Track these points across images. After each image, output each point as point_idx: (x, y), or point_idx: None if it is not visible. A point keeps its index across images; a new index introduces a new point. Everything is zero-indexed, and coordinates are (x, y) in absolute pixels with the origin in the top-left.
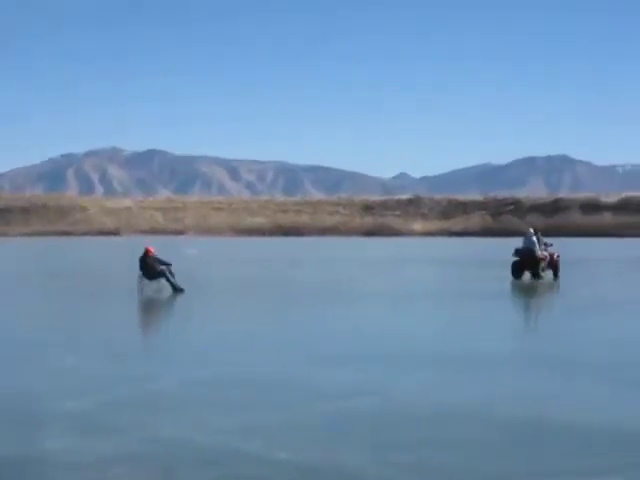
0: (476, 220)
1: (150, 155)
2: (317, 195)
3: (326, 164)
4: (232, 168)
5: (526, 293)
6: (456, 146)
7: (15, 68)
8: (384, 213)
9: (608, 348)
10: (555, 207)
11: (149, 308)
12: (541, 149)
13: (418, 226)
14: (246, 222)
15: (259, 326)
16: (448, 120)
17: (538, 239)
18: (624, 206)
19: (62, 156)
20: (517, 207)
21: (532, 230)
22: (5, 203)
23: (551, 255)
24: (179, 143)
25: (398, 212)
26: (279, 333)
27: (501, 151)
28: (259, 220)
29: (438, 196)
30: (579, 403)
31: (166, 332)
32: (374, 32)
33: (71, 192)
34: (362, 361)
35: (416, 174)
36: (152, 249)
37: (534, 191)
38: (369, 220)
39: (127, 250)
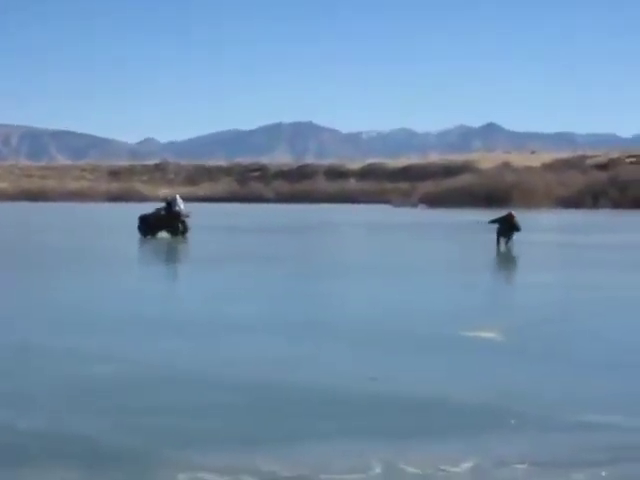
0: (222, 186)
1: None
2: (63, 161)
3: (73, 129)
4: None
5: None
6: (203, 111)
7: None
8: (131, 178)
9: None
10: (301, 173)
11: None
12: (287, 115)
13: (165, 191)
14: None
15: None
16: (194, 85)
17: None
18: (367, 173)
19: None
20: (263, 173)
21: (177, 196)
22: None
23: (174, 218)
24: None
25: (145, 177)
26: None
27: (248, 117)
28: (3, 185)
29: (184, 162)
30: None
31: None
32: None
33: None
34: (99, 328)
35: (163, 139)
36: None
37: (280, 158)
38: (115, 186)
39: None
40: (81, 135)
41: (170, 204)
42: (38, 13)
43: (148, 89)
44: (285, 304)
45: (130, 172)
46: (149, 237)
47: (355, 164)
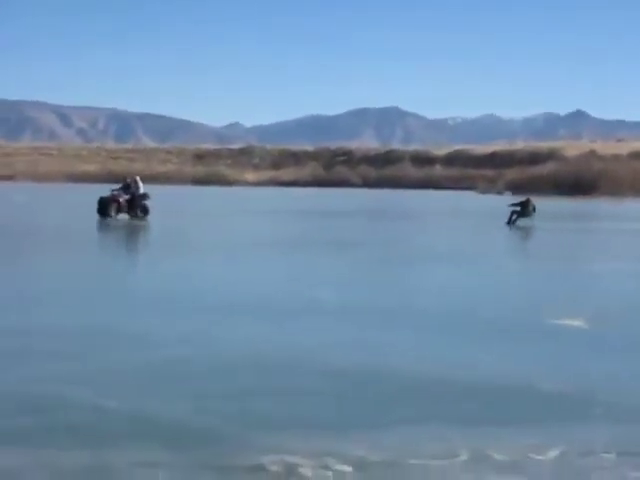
0: (307, 171)
1: None
2: (149, 143)
3: (159, 112)
4: (63, 114)
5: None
6: (288, 96)
7: None
8: (216, 162)
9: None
10: (387, 159)
11: None
12: (373, 101)
13: (250, 176)
14: (77, 169)
15: (100, 276)
16: (279, 69)
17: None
18: (453, 159)
19: None
20: (349, 158)
21: (137, 178)
22: None
23: (131, 200)
24: (8, 87)
25: (230, 161)
26: (110, 283)
27: (333, 102)
28: (90, 167)
29: (270, 146)
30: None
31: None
32: None
33: None
34: (187, 311)
35: (248, 123)
36: None
37: (366, 143)
38: (200, 169)
39: None
40: (167, 118)
41: (129, 186)
42: None
43: (235, 73)
44: (367, 289)
45: (215, 156)
46: (108, 219)
47: (441, 150)
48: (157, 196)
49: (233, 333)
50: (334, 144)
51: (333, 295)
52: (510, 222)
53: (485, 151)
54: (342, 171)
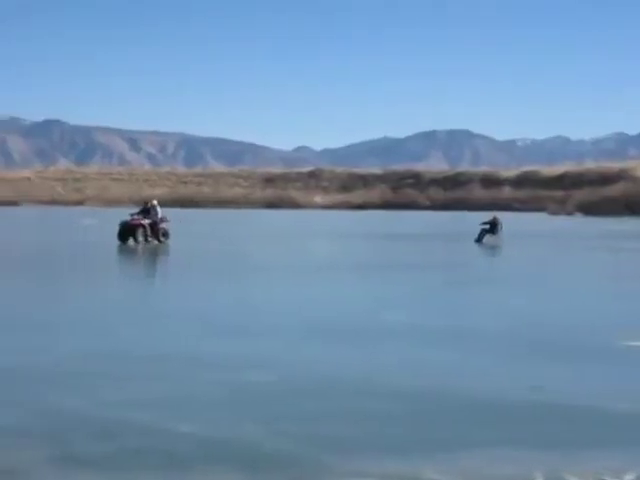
0: (376, 193)
1: (48, 125)
2: (218, 167)
3: (227, 136)
4: (132, 139)
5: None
6: (356, 119)
7: None
8: (285, 186)
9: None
10: (455, 181)
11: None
12: (441, 123)
13: (319, 199)
14: (146, 193)
15: (149, 298)
16: (349, 92)
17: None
18: (522, 180)
19: None
20: (417, 180)
21: (155, 202)
22: None
23: (153, 224)
24: (78, 113)
25: (299, 184)
26: (173, 305)
27: (401, 124)
28: (160, 191)
29: (339, 169)
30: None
31: (71, 302)
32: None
33: None
34: (259, 333)
35: (317, 147)
36: None
37: (434, 165)
38: (270, 192)
39: (25, 220)
40: (236, 142)
41: (149, 210)
42: (187, 21)
43: (302, 97)
44: (437, 311)
45: (284, 179)
46: (134, 244)
47: (510, 172)
48: (225, 219)
49: (304, 355)
50: (402, 166)
51: (404, 317)
52: (479, 240)
53: (554, 172)
54: (410, 193)
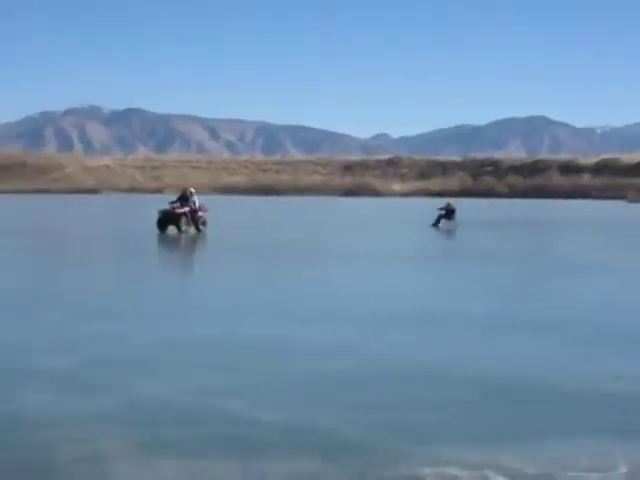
0: (455, 181)
1: (128, 113)
2: (297, 155)
3: (306, 124)
4: (211, 127)
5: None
6: (434, 106)
7: None
8: (363, 173)
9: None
10: (534, 168)
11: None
12: (520, 110)
13: (397, 186)
14: (225, 181)
15: (251, 286)
16: (426, 80)
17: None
18: (602, 168)
19: (40, 114)
20: (496, 168)
21: (192, 189)
22: None
23: (193, 212)
24: (158, 102)
25: (377, 172)
26: (259, 294)
27: (479, 112)
28: (239, 179)
29: (417, 156)
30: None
31: (155, 291)
32: None
33: (50, 150)
34: (335, 321)
35: (395, 134)
36: None
37: (513, 152)
38: (348, 180)
39: (108, 208)
40: (314, 130)
41: (187, 198)
42: (278, 8)
43: (380, 84)
44: (513, 301)
45: (363, 167)
46: (179, 233)
47: (589, 159)
48: (305, 207)
49: (382, 344)
50: (481, 154)
51: (480, 307)
52: (435, 224)
53: (634, 160)
54: (489, 181)
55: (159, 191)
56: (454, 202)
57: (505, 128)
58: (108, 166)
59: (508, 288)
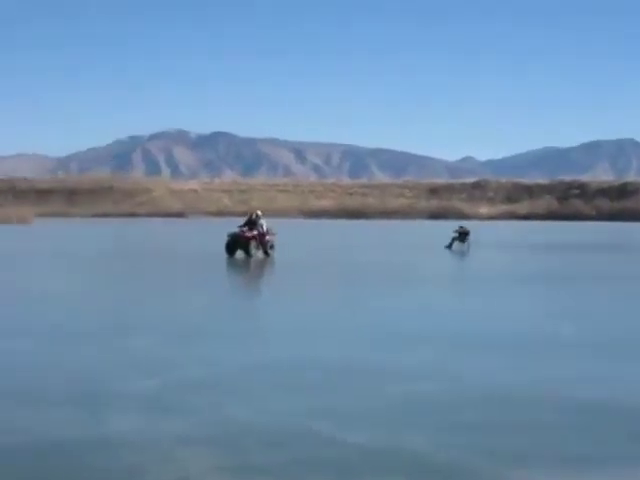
0: (542, 204)
1: (215, 137)
2: (383, 178)
3: (391, 147)
4: (298, 150)
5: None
6: (520, 129)
7: (83, 51)
8: (450, 196)
9: None
10: (622, 191)
11: (220, 289)
12: (607, 133)
13: (484, 209)
14: (312, 204)
15: (326, 309)
16: (512, 103)
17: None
18: None
19: (129, 137)
20: (583, 191)
21: (259, 213)
22: (72, 185)
23: (261, 236)
24: (244, 125)
25: (464, 195)
26: (346, 316)
27: (566, 135)
28: (325, 202)
29: (503, 179)
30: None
31: (233, 314)
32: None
33: (138, 174)
34: (430, 342)
35: (481, 157)
36: None
37: (600, 176)
38: (434, 203)
39: (195, 231)
40: (400, 153)
41: (255, 222)
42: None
43: (467, 108)
44: (607, 324)
45: (449, 190)
46: (247, 257)
47: None
48: (388, 230)
49: (473, 366)
50: (567, 177)
51: (574, 329)
52: (449, 246)
53: None
54: (576, 204)
55: (246, 214)
56: (539, 225)
57: (592, 151)
58: (195, 190)
59: (603, 310)
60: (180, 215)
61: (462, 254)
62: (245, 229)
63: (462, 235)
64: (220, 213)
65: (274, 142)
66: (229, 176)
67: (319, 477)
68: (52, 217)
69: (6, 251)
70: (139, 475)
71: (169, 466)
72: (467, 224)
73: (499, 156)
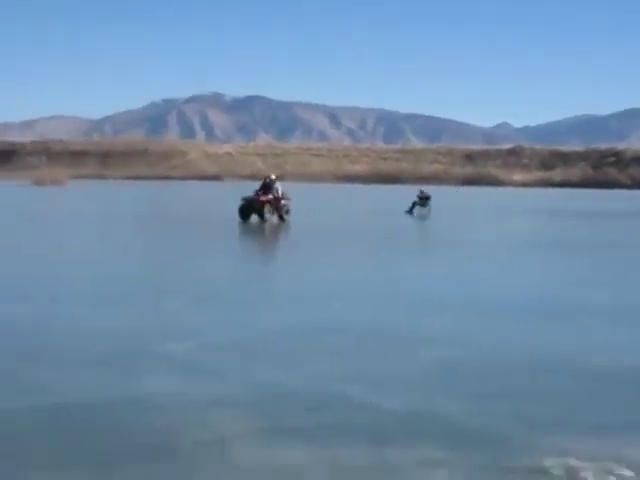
0: (576, 171)
1: (251, 101)
2: (417, 143)
3: (427, 112)
4: (333, 115)
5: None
6: (557, 96)
7: (119, 15)
8: (485, 163)
9: None
10: None
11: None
12: None
13: (518, 176)
14: (346, 169)
15: (357, 274)
16: (549, 70)
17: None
18: None
19: (164, 101)
20: (618, 159)
21: (273, 176)
22: (106, 147)
23: (276, 200)
24: (279, 89)
25: (498, 162)
26: (376, 281)
27: (603, 102)
28: (359, 167)
29: (538, 146)
30: None
31: (265, 277)
32: None
33: (172, 137)
34: (457, 310)
35: (517, 123)
36: None
37: (636, 144)
38: (469, 169)
39: (228, 195)
40: (435, 118)
41: (270, 185)
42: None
43: (502, 74)
44: (635, 292)
45: (484, 156)
46: (262, 222)
47: None
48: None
49: (500, 333)
50: (604, 145)
51: (602, 296)
52: (410, 211)
53: None
54: (611, 172)
55: (280, 178)
56: (569, 192)
57: (629, 119)
58: (230, 153)
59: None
60: (215, 178)
61: (422, 218)
62: (260, 193)
63: (423, 200)
64: (254, 177)
65: (309, 106)
66: (264, 140)
67: (352, 441)
68: (86, 179)
69: (40, 213)
70: (173, 437)
71: (202, 428)
72: (501, 191)
73: (535, 123)
